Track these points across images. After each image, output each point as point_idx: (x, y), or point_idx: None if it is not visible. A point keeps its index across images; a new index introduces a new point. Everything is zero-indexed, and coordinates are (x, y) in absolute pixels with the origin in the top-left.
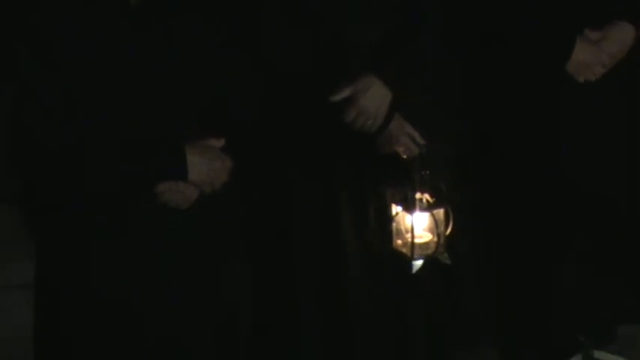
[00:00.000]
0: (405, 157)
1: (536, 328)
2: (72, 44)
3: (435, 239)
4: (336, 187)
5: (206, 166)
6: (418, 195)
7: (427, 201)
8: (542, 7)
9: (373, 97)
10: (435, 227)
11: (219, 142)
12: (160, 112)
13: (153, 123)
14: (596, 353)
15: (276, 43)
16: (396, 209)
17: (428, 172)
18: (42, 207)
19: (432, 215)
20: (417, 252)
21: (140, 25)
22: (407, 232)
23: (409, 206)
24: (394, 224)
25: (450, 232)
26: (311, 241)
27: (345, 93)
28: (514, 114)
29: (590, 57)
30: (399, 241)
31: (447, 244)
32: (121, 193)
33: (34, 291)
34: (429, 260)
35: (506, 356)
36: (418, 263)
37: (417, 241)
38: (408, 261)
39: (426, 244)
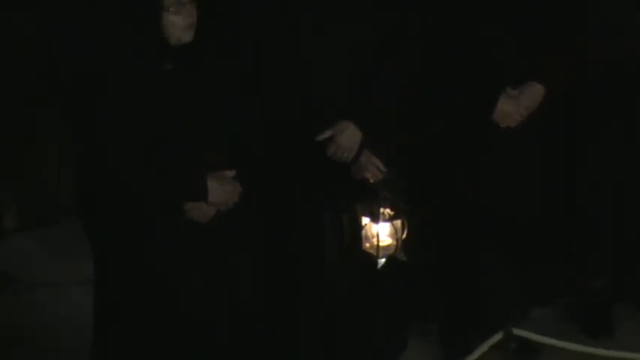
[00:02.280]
0: (372, 181)
1: (468, 311)
2: (130, 92)
3: (395, 243)
4: (321, 202)
5: (222, 190)
6: (382, 209)
7: (388, 214)
8: (475, 69)
9: (348, 137)
10: (395, 234)
11: (231, 173)
12: (190, 145)
13: (184, 153)
14: (515, 331)
15: (275, 99)
16: (365, 220)
17: (389, 192)
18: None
19: (392, 225)
20: (381, 252)
21: (174, 79)
22: (373, 237)
23: (375, 218)
24: (364, 231)
25: (406, 237)
26: (303, 242)
27: (328, 134)
28: (450, 152)
29: (510, 108)
30: (367, 244)
31: (403, 246)
32: (160, 208)
33: (95, 281)
34: (390, 258)
35: (446, 333)
36: (382, 261)
37: (381, 244)
38: (374, 259)
39: (388, 246)
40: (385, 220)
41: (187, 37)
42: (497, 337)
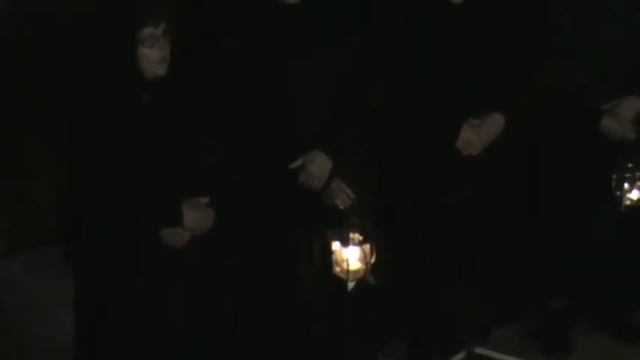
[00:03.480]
0: (341, 207)
1: (433, 330)
2: (108, 123)
3: (364, 267)
4: (293, 227)
5: (196, 216)
6: (351, 234)
7: (358, 239)
8: (440, 100)
9: (319, 166)
10: (364, 258)
11: (205, 200)
12: (166, 173)
13: (160, 181)
14: (478, 349)
15: (249, 128)
16: (335, 245)
17: (358, 217)
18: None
19: (362, 249)
20: (351, 276)
21: (151, 111)
22: (343, 261)
23: (345, 242)
24: (334, 256)
25: (375, 261)
26: (275, 267)
27: (299, 162)
28: (415, 176)
29: (472, 137)
30: (338, 268)
31: (372, 269)
32: (140, 234)
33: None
34: (360, 281)
35: (412, 351)
36: (352, 284)
37: (351, 268)
38: (344, 283)
39: (358, 270)
40: (355, 245)
41: (161, 70)
42: (459, 355)
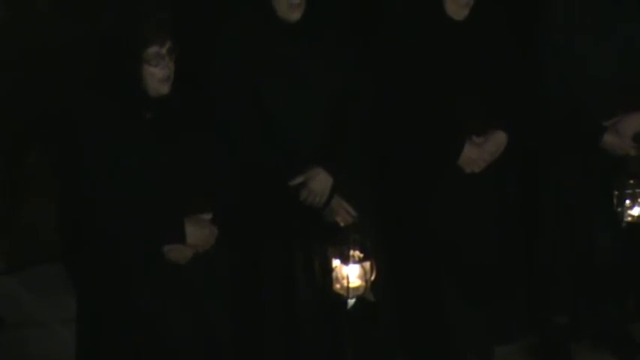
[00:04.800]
0: (342, 224)
1: (435, 348)
2: (109, 149)
3: (364, 284)
4: (293, 245)
5: (199, 233)
6: (351, 252)
7: (358, 256)
8: (443, 118)
9: (319, 183)
10: (364, 275)
11: (208, 216)
12: (169, 190)
13: (163, 198)
14: None
15: (249, 146)
16: (335, 262)
17: (358, 235)
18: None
19: (362, 266)
20: (351, 293)
21: (154, 128)
22: (343, 278)
23: (345, 260)
24: (334, 273)
25: (374, 278)
26: (275, 287)
27: (300, 179)
28: (416, 197)
29: (475, 155)
30: (338, 285)
31: (372, 286)
32: (144, 250)
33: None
34: (359, 298)
35: None
36: (351, 301)
37: (351, 285)
38: (344, 299)
39: (357, 287)
40: (355, 262)
41: (165, 89)
42: None
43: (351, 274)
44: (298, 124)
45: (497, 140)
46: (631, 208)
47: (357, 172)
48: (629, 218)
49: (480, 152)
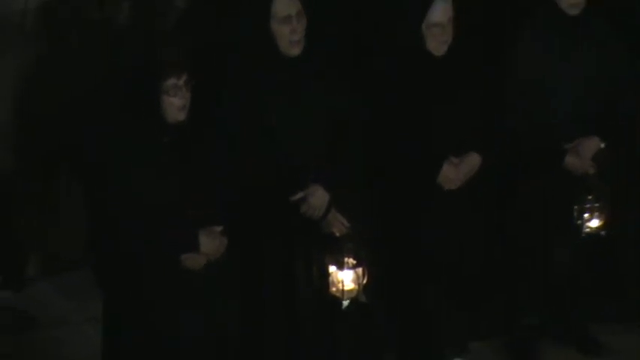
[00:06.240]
0: (337, 234)
1: (418, 343)
2: (134, 163)
3: (357, 287)
4: (294, 253)
5: (212, 243)
6: (346, 259)
7: (352, 262)
8: (421, 141)
9: (318, 198)
10: (357, 279)
11: (219, 228)
12: (185, 205)
13: (180, 212)
14: None
15: (255, 165)
16: (331, 268)
17: (352, 244)
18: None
19: (355, 272)
20: (345, 296)
21: (171, 151)
22: (339, 283)
23: (340, 266)
24: (330, 278)
25: (366, 282)
26: (275, 285)
27: (300, 195)
28: (403, 210)
29: (452, 174)
30: (334, 289)
31: (364, 290)
32: (164, 258)
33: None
34: (353, 300)
35: None
36: (346, 302)
37: (345, 289)
38: (339, 301)
39: (351, 290)
40: (349, 268)
41: (182, 115)
42: None
43: (345, 278)
44: (299, 145)
45: (471, 162)
46: (589, 220)
47: (352, 187)
48: (588, 229)
49: (456, 172)
